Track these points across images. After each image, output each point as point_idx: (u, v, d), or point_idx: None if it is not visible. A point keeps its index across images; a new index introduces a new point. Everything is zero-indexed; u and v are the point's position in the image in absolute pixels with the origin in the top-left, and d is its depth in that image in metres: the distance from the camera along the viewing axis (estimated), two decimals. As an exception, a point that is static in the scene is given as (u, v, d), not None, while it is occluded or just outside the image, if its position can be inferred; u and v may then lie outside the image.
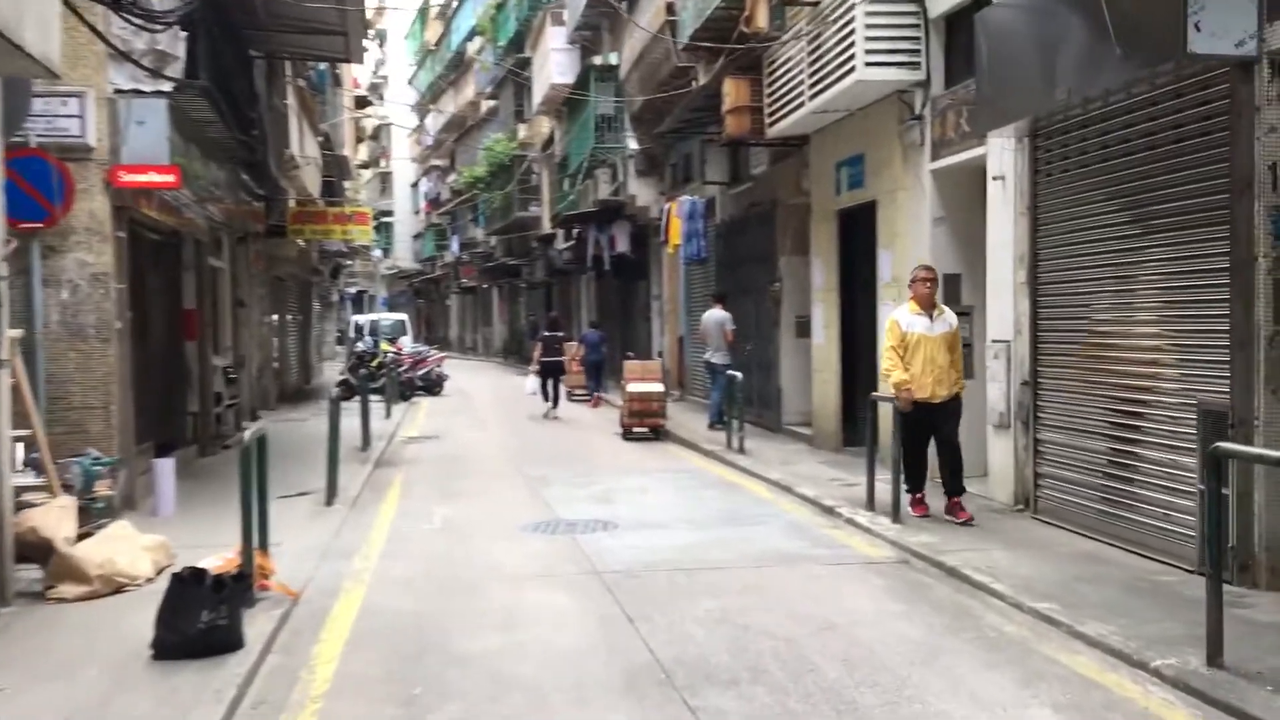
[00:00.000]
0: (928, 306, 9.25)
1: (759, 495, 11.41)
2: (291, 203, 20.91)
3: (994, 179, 9.66)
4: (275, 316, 23.49)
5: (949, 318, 9.37)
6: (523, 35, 38.63)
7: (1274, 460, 5.85)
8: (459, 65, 52.04)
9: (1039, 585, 7.03)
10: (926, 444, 9.44)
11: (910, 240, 11.51)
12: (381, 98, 74.22)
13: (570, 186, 29.68)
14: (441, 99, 57.20)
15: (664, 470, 13.37)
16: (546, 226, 37.39)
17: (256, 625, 6.28)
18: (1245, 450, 6.10)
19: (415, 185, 66.96)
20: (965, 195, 11.06)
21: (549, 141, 36.68)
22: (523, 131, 39.86)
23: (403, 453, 15.69)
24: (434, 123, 59.53)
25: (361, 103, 60.68)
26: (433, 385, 26.28)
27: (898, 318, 9.34)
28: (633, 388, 16.53)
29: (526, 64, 37.97)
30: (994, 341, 9.84)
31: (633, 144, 22.18)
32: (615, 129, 24.74)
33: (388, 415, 20.12)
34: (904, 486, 9.35)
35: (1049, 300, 9.08)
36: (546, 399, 20.51)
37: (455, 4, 51.24)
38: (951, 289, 11.15)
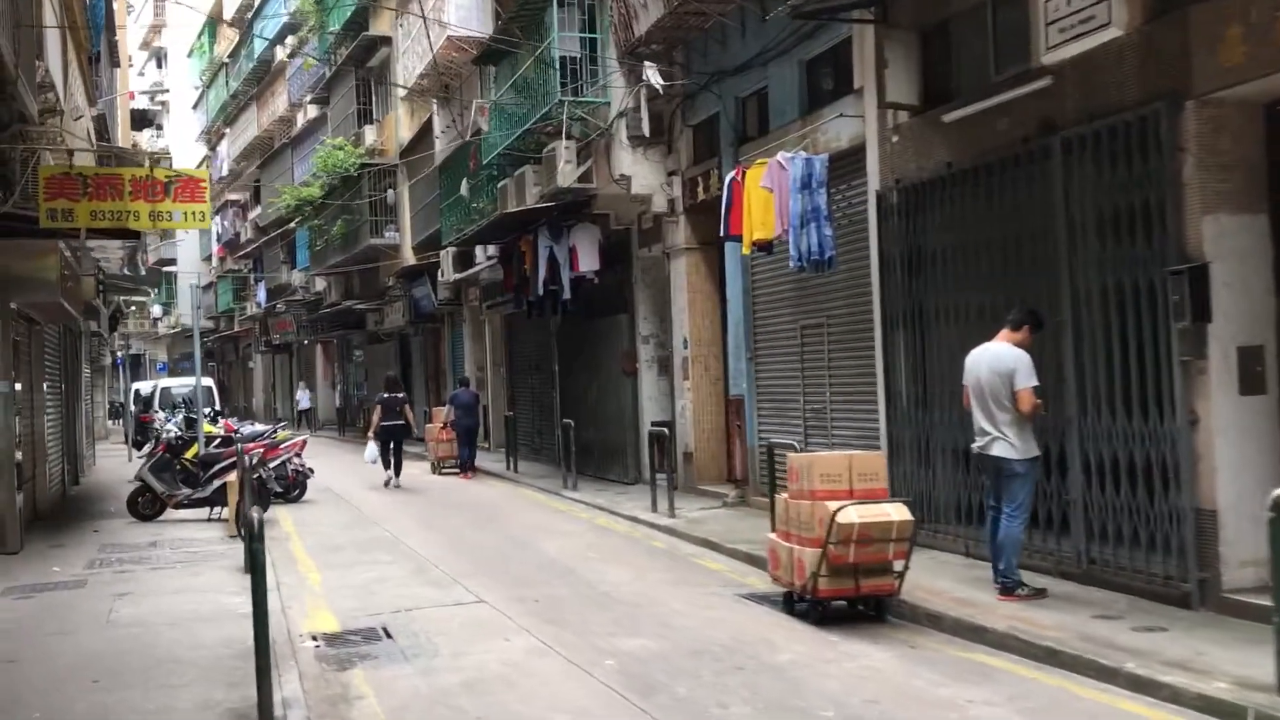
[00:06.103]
0: None
1: None
2: (49, 159, 10.78)
3: None
4: (17, 384, 13.12)
5: None
6: (365, 11, 29.18)
7: None
8: (264, 75, 41.77)
9: None
10: None
11: None
12: (160, 128, 62.49)
13: (477, 190, 20.28)
14: (239, 120, 46.51)
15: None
16: (409, 256, 27.81)
17: None
18: None
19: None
20: None
21: (412, 144, 27.19)
22: (370, 136, 30.15)
23: None
24: (229, 150, 48.61)
25: (141, 120, 49.14)
26: (291, 487, 16.39)
27: None
28: (850, 515, 7.43)
29: (374, 47, 28.67)
30: None
31: (655, 78, 13.14)
32: (583, 77, 15.66)
33: (250, 567, 10.37)
34: None
35: None
36: (387, 467, 18.72)
37: (256, 2, 41.00)
38: None
